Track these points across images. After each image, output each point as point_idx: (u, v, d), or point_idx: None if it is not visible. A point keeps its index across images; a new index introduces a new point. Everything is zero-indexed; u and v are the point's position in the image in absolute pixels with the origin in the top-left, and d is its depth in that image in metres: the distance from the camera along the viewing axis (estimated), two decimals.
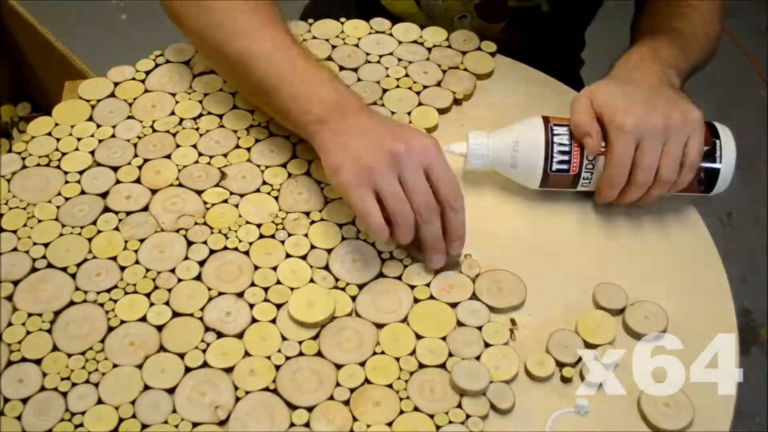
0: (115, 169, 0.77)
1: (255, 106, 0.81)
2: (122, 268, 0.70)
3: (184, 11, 0.76)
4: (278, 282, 0.70)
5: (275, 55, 0.71)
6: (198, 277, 0.70)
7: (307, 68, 0.71)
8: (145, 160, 0.78)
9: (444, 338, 0.67)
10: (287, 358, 0.65)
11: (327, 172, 0.68)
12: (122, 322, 0.67)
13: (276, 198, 0.75)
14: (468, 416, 0.63)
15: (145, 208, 0.74)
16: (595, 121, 0.71)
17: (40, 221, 0.73)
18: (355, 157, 0.65)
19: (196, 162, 0.78)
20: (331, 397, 0.63)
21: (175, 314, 0.68)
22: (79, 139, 0.79)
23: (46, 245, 0.71)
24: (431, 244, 0.68)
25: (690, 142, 0.70)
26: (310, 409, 0.63)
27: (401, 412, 0.63)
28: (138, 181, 0.76)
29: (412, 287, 0.70)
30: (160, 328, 0.67)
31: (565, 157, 0.72)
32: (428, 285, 0.70)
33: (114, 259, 0.71)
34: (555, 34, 0.96)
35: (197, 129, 0.80)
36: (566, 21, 0.97)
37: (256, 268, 0.70)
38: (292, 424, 0.62)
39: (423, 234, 0.67)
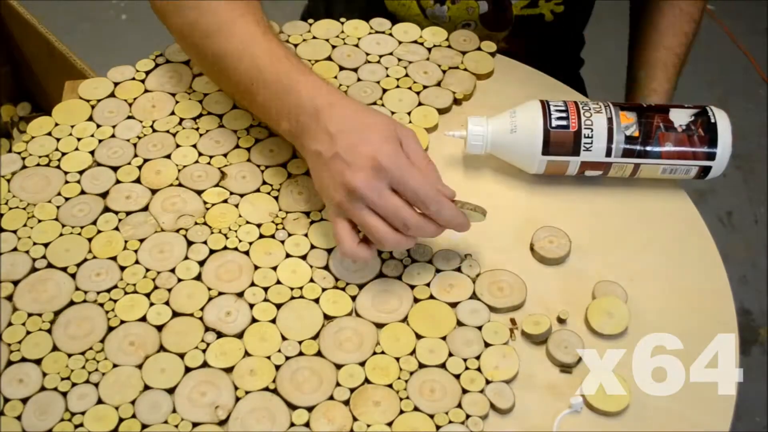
0: (115, 169, 0.77)
1: (243, 107, 0.81)
2: (122, 268, 0.70)
3: (165, 9, 0.77)
4: (278, 282, 0.70)
5: (242, 55, 0.71)
6: (198, 277, 0.70)
7: (268, 68, 0.69)
8: (145, 160, 0.78)
9: (444, 338, 0.67)
10: (287, 358, 0.65)
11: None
12: (122, 322, 0.67)
13: (276, 198, 0.75)
14: (468, 416, 0.63)
15: (145, 208, 0.74)
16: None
17: (40, 221, 0.73)
18: (327, 190, 0.66)
19: (196, 162, 0.78)
20: (331, 397, 0.63)
21: (175, 314, 0.68)
22: (79, 139, 0.79)
23: (46, 245, 0.71)
24: (439, 231, 0.67)
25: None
26: (310, 409, 0.63)
27: (401, 412, 0.63)
28: (138, 181, 0.76)
29: (412, 287, 0.70)
30: (160, 328, 0.67)
31: (563, 114, 0.74)
32: (428, 285, 0.70)
33: (114, 259, 0.71)
34: (556, 42, 0.97)
35: (197, 129, 0.80)
36: (568, 28, 0.97)
37: (256, 268, 0.70)
38: (292, 424, 0.62)
39: (420, 236, 0.67)
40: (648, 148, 0.73)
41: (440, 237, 0.72)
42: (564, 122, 0.73)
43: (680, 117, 0.74)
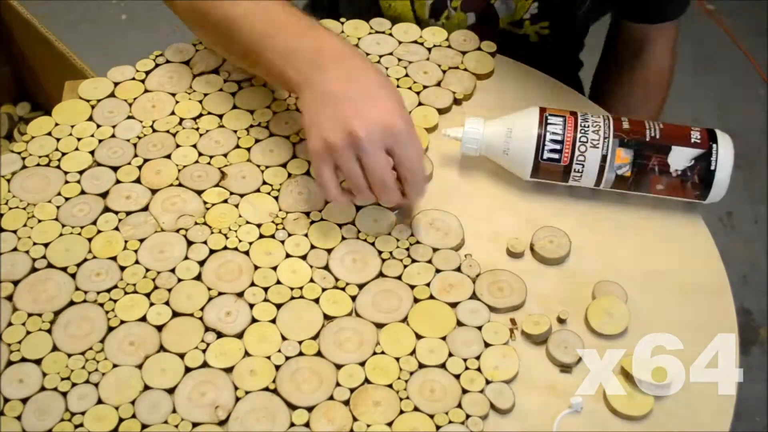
0: (115, 169, 0.77)
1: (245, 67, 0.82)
2: (122, 268, 0.70)
3: None
4: (278, 282, 0.70)
5: (256, 14, 0.73)
6: (198, 277, 0.70)
7: (285, 21, 0.72)
8: (145, 160, 0.78)
9: (444, 338, 0.67)
10: (287, 358, 0.65)
11: (302, 125, 0.71)
12: (122, 322, 0.67)
13: (276, 198, 0.75)
14: (468, 416, 0.63)
15: (145, 208, 0.74)
16: None
17: (40, 221, 0.73)
18: (320, 128, 0.68)
19: (196, 162, 0.78)
20: (331, 397, 0.63)
21: (175, 314, 0.68)
22: (79, 139, 0.79)
23: (46, 245, 0.71)
24: (386, 204, 0.72)
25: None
26: (310, 409, 0.63)
27: (401, 412, 0.63)
28: (138, 181, 0.76)
29: (412, 287, 0.70)
30: (160, 328, 0.67)
31: (557, 146, 0.72)
32: (428, 285, 0.70)
33: (114, 259, 0.71)
34: (544, 62, 0.96)
35: (197, 129, 0.80)
36: (555, 50, 0.97)
37: (256, 268, 0.70)
38: (292, 424, 0.62)
39: (380, 201, 0.71)
40: (638, 187, 0.73)
41: (440, 237, 0.72)
42: (556, 155, 0.72)
43: (679, 160, 0.72)
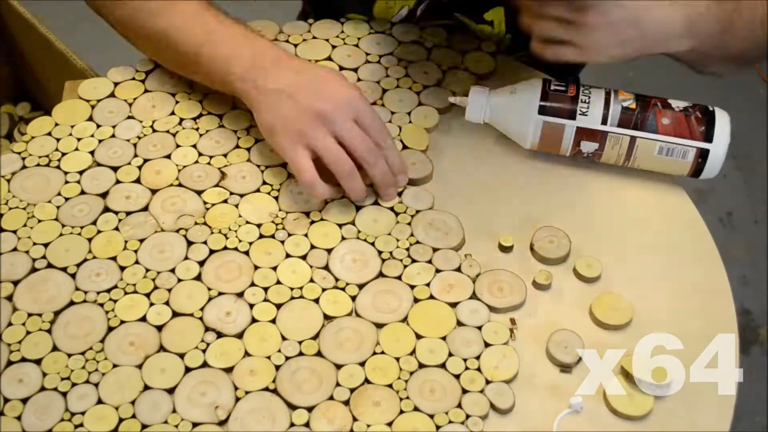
0: (115, 169, 0.77)
1: (189, 78, 0.83)
2: (122, 268, 0.70)
3: (104, 3, 0.82)
4: (278, 282, 0.70)
5: (190, 24, 0.76)
6: (198, 277, 0.70)
7: (220, 29, 0.75)
8: (145, 160, 0.78)
9: (444, 338, 0.67)
10: (287, 358, 0.65)
11: (262, 131, 0.73)
12: (122, 322, 0.67)
13: (276, 198, 0.75)
14: (468, 416, 0.63)
15: (145, 208, 0.74)
16: None
17: (40, 221, 0.73)
18: (285, 122, 0.70)
19: (196, 162, 0.78)
20: (331, 397, 0.63)
21: (175, 314, 0.68)
22: (79, 139, 0.79)
23: (46, 245, 0.71)
24: (382, 181, 0.73)
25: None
26: (310, 409, 0.63)
27: (401, 412, 0.63)
28: (138, 181, 0.76)
29: (412, 287, 0.70)
30: (160, 328, 0.67)
31: (562, 87, 0.76)
32: (428, 285, 0.70)
33: (114, 259, 0.71)
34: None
35: (197, 129, 0.80)
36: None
37: (256, 268, 0.70)
38: (292, 424, 0.62)
39: (372, 175, 0.72)
40: (644, 121, 0.74)
41: (440, 237, 0.72)
42: (562, 88, 0.76)
43: (679, 102, 0.76)
